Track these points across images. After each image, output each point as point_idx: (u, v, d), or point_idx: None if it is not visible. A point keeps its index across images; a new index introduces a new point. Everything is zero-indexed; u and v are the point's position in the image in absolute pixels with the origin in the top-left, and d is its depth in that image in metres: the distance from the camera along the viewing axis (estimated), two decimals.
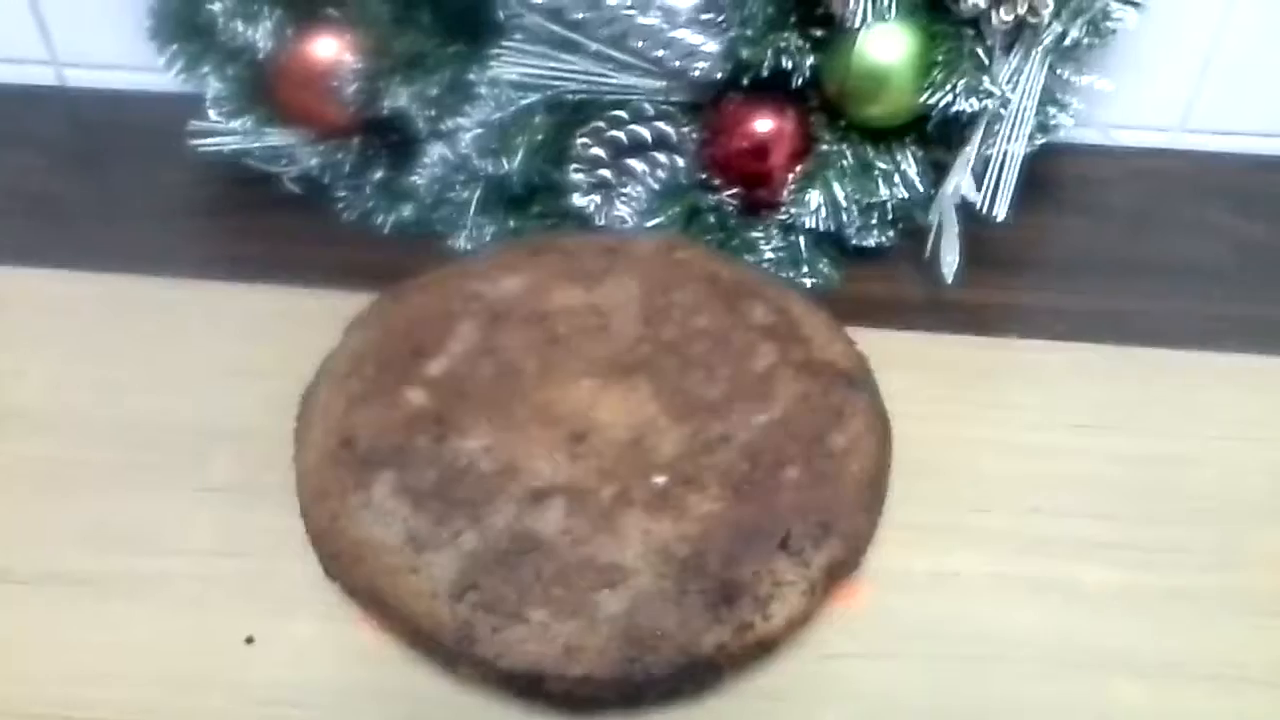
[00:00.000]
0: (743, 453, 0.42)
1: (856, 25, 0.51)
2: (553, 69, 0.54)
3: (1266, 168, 0.66)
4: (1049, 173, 0.60)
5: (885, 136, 0.55)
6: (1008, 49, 0.52)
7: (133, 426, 0.49)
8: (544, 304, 0.47)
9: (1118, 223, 0.62)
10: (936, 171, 0.56)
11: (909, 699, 0.41)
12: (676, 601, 0.38)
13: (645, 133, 0.56)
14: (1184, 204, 0.63)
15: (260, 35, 0.54)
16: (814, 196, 0.54)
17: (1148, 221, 0.62)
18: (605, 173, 0.56)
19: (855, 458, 0.43)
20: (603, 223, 0.57)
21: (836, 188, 0.54)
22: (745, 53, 0.52)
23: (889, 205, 0.56)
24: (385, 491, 0.41)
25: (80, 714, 0.40)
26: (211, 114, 0.57)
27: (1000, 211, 0.53)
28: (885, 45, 0.52)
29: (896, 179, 0.55)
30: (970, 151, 0.53)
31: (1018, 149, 0.53)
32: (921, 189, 0.56)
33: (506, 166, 0.55)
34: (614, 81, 0.54)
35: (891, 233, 0.57)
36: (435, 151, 0.56)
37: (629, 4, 0.51)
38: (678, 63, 0.53)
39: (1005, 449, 0.49)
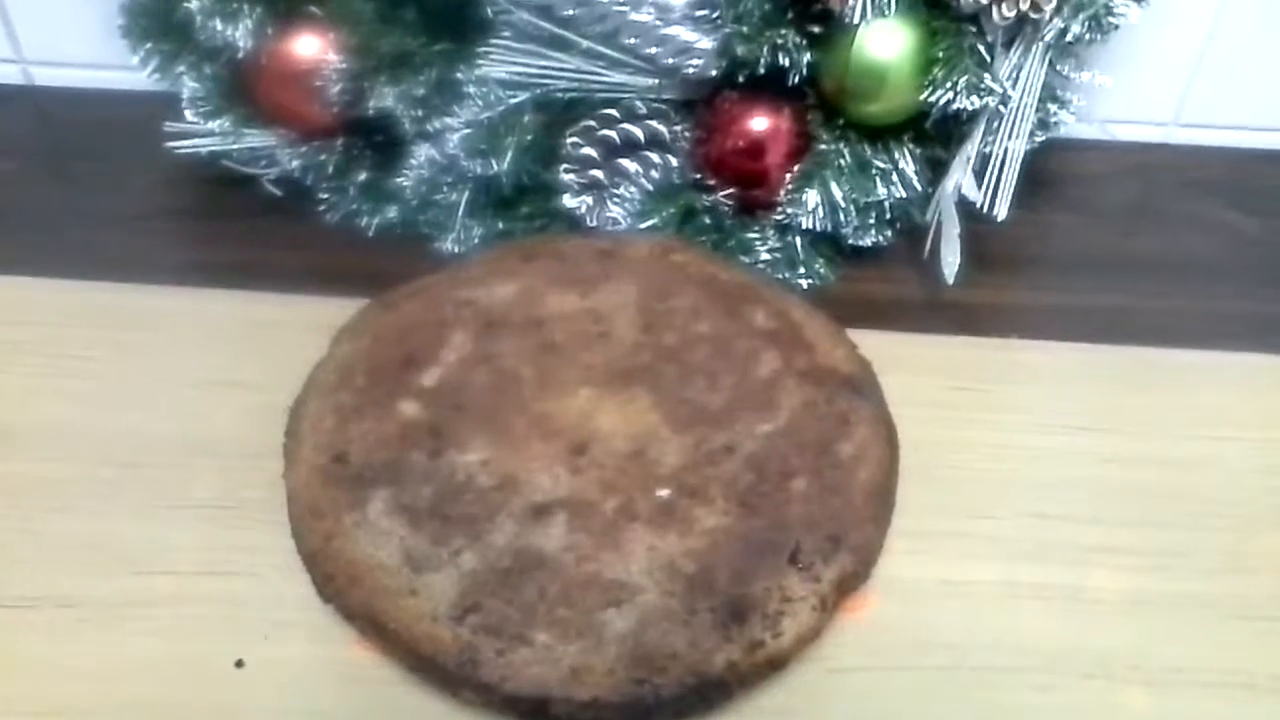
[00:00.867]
0: (748, 464, 0.41)
1: (855, 21, 0.50)
2: (542, 67, 0.53)
3: (1261, 161, 0.66)
4: (1044, 169, 0.60)
5: (883, 134, 0.54)
6: (1008, 45, 0.51)
7: (111, 442, 0.47)
8: (539, 310, 0.46)
9: (1114, 219, 0.62)
10: (934, 170, 0.55)
11: (920, 712, 0.40)
12: (685, 620, 0.37)
13: (638, 132, 0.54)
14: (1179, 199, 0.63)
15: (239, 33, 0.52)
16: (811, 196, 0.53)
17: (1144, 217, 0.62)
18: (597, 173, 0.55)
19: (863, 467, 0.42)
20: (595, 224, 0.55)
21: (834, 187, 0.53)
22: (740, 49, 0.50)
23: (887, 204, 0.55)
24: (381, 510, 0.39)
25: None
26: (188, 114, 0.56)
27: (1000, 211, 0.52)
28: (884, 41, 0.50)
29: (895, 178, 0.54)
30: (970, 149, 0.52)
31: (1018, 146, 0.52)
32: (920, 188, 0.55)
33: (495, 167, 0.53)
34: (605, 79, 0.53)
35: (889, 232, 0.56)
36: (422, 152, 0.55)
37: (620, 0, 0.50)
38: (671, 60, 0.52)
39: (1007, 453, 0.49)
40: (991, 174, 0.52)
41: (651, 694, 0.36)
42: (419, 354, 0.44)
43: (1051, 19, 0.49)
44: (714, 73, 0.52)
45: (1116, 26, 0.51)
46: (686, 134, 0.55)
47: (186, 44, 0.54)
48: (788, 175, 0.54)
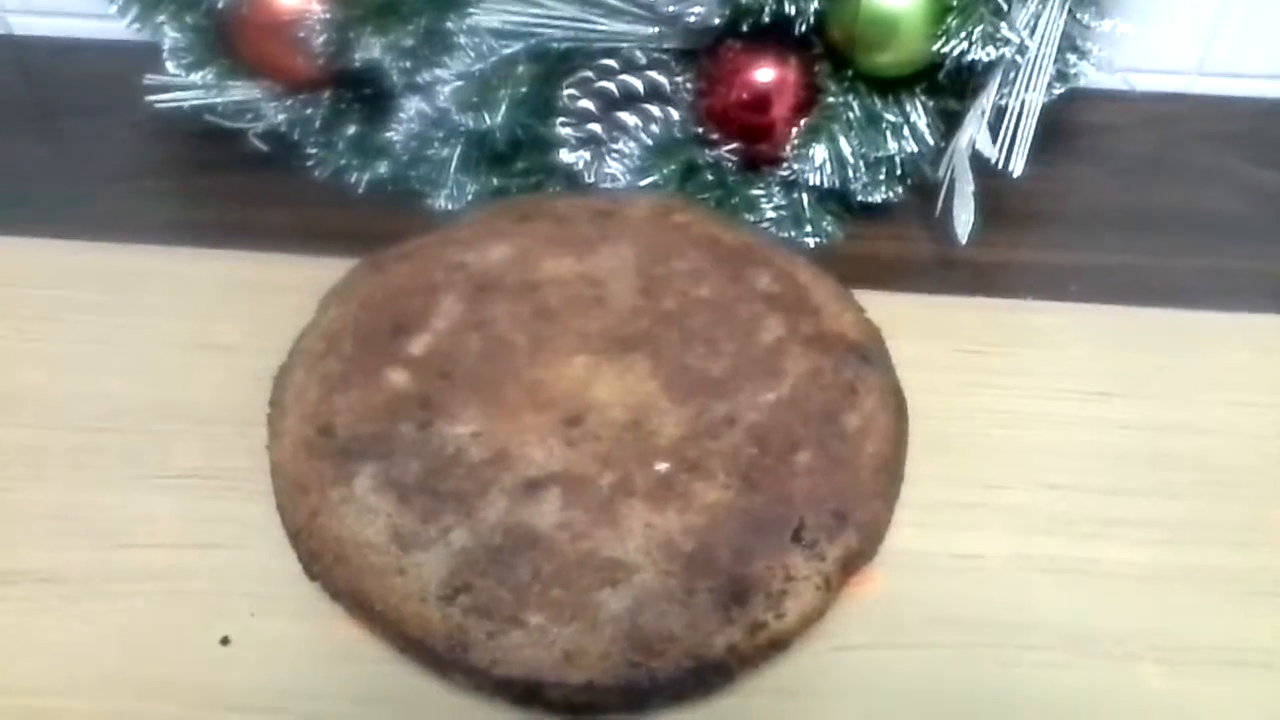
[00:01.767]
0: (750, 435, 0.39)
1: None
2: (536, 15, 0.50)
3: None
4: (1059, 121, 0.57)
5: (894, 87, 0.52)
6: None
7: (88, 408, 0.46)
8: (533, 274, 0.44)
9: (1132, 174, 0.59)
10: (948, 123, 0.52)
11: (929, 691, 0.39)
12: (683, 601, 0.36)
13: (637, 83, 0.52)
14: (1200, 152, 0.61)
15: None
16: (818, 151, 0.51)
17: (1163, 171, 0.60)
18: (595, 127, 0.53)
19: (870, 439, 0.40)
20: (592, 180, 0.53)
21: (842, 141, 0.51)
22: None
23: (897, 160, 0.53)
24: (368, 485, 0.38)
25: None
26: (169, 66, 0.53)
27: (1016, 166, 0.50)
28: None
29: (906, 132, 0.52)
30: (985, 102, 0.50)
31: (1035, 99, 0.50)
32: (932, 142, 0.52)
33: (488, 121, 0.51)
34: (603, 28, 0.51)
35: (900, 189, 0.54)
36: (411, 106, 0.52)
37: None
38: (672, 7, 0.49)
39: (1020, 420, 0.47)
40: (1007, 128, 0.50)
41: (648, 678, 0.35)
42: (408, 320, 0.42)
43: None
44: (717, 21, 0.50)
45: None
46: (688, 86, 0.53)
47: None
48: (794, 129, 0.52)
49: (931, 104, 0.52)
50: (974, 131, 0.50)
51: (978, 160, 0.51)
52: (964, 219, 0.50)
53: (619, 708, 0.36)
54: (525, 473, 0.38)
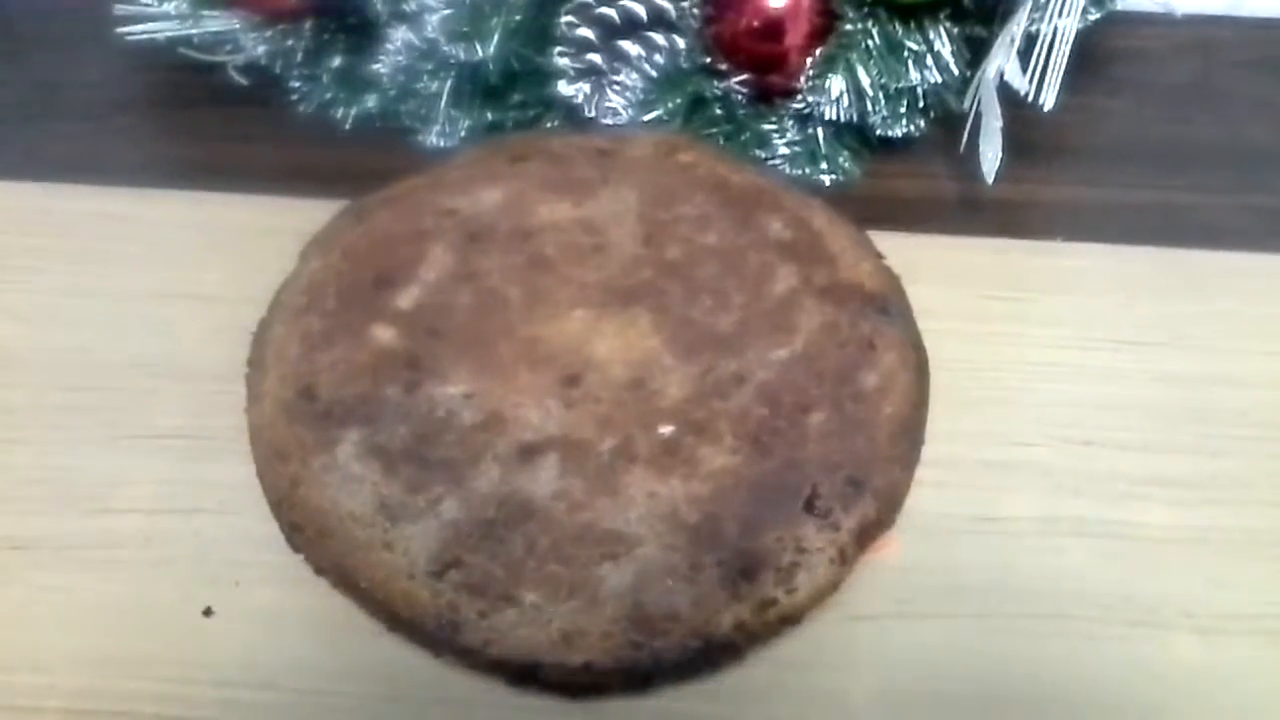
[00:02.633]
0: (760, 395, 0.37)
1: None
2: None
3: None
4: (1092, 48, 0.53)
5: (916, 12, 0.48)
6: None
7: (61, 364, 0.43)
8: (528, 221, 0.41)
9: (1171, 104, 0.56)
10: (974, 51, 0.49)
11: (950, 664, 0.37)
12: (688, 577, 0.33)
13: (640, 9, 0.48)
14: (1245, 80, 0.57)
15: None
16: (835, 82, 0.48)
17: (1205, 102, 0.56)
18: (594, 57, 0.49)
19: (888, 398, 0.37)
20: (592, 115, 0.50)
21: (861, 72, 0.48)
22: None
23: (920, 91, 0.49)
24: (352, 452, 0.35)
25: (24, 701, 0.35)
26: None
27: (1048, 99, 0.46)
28: None
29: (929, 61, 0.48)
30: (1015, 29, 0.46)
31: (1069, 25, 0.46)
32: (957, 72, 0.49)
33: (480, 52, 0.48)
34: None
35: (922, 122, 0.50)
36: (398, 36, 0.49)
37: None
38: None
39: (1049, 372, 0.44)
40: (1039, 57, 0.46)
41: (651, 659, 0.33)
42: (394, 272, 0.39)
43: None
44: None
45: None
46: (694, 12, 0.49)
47: None
48: (809, 59, 0.48)
49: (957, 31, 0.49)
50: (1003, 61, 0.46)
51: (1005, 91, 0.48)
52: (991, 156, 0.47)
53: (620, 688, 0.34)
54: (520, 437, 0.36)
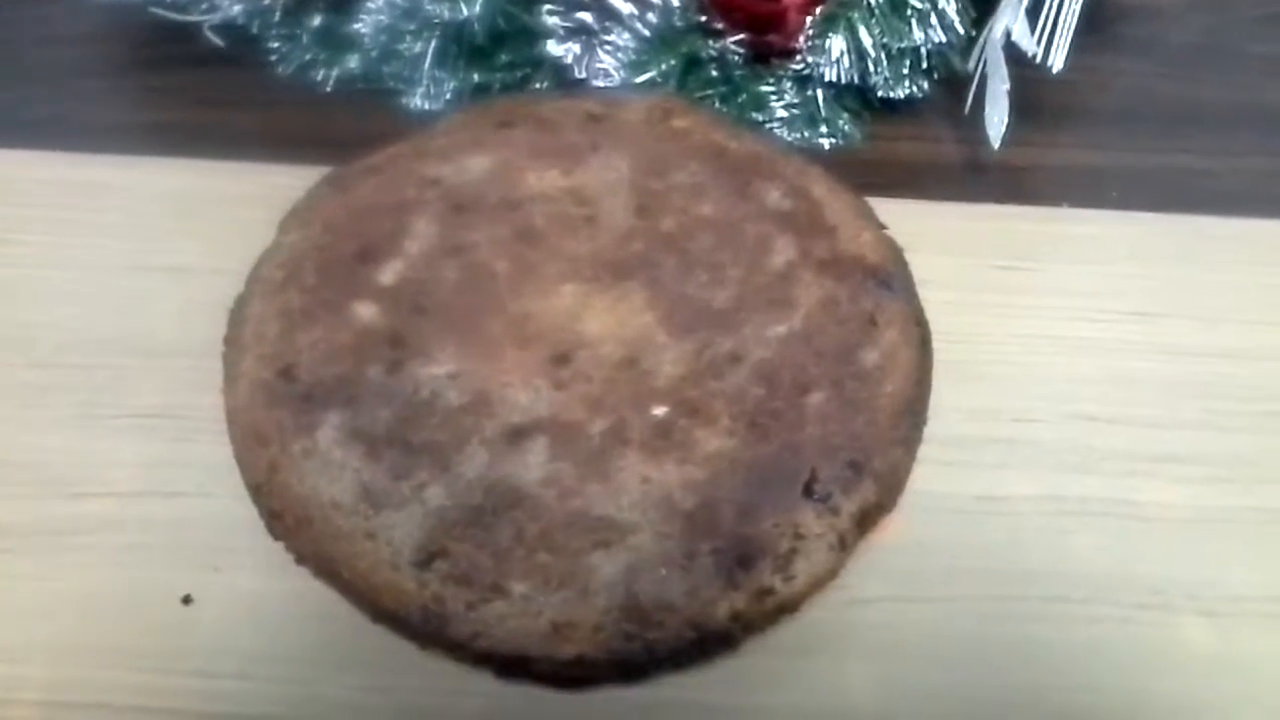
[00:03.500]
0: (757, 374, 0.35)
1: None
2: None
3: None
4: (1100, 3, 0.52)
5: None
6: None
7: (33, 339, 0.42)
8: (516, 190, 0.39)
9: (1181, 63, 0.54)
10: (980, 9, 0.47)
11: (951, 647, 0.36)
12: (683, 565, 0.32)
13: None
14: (1258, 38, 0.55)
15: None
16: (836, 42, 0.46)
17: (1216, 61, 0.54)
18: (585, 16, 0.48)
19: (890, 377, 0.36)
20: (583, 76, 0.48)
21: (862, 31, 0.46)
22: None
23: (923, 51, 0.47)
24: (332, 437, 0.34)
25: None
26: None
27: (1057, 60, 0.45)
28: None
29: (933, 20, 0.46)
30: None
31: None
32: (962, 31, 0.47)
33: (465, 11, 0.46)
34: None
35: (925, 84, 0.49)
36: None
37: None
38: None
39: (1055, 345, 0.43)
40: (1047, 15, 0.45)
41: (645, 650, 0.32)
42: (376, 245, 0.38)
43: None
44: None
45: None
46: None
47: None
48: (808, 18, 0.47)
49: None
50: (1010, 20, 0.44)
51: (1011, 51, 0.46)
52: (997, 120, 0.45)
53: (613, 679, 0.33)
54: (508, 419, 0.34)
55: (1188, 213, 0.47)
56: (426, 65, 0.48)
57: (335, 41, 0.50)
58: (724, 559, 0.32)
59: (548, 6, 0.47)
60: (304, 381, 0.35)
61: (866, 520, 0.34)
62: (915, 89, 0.49)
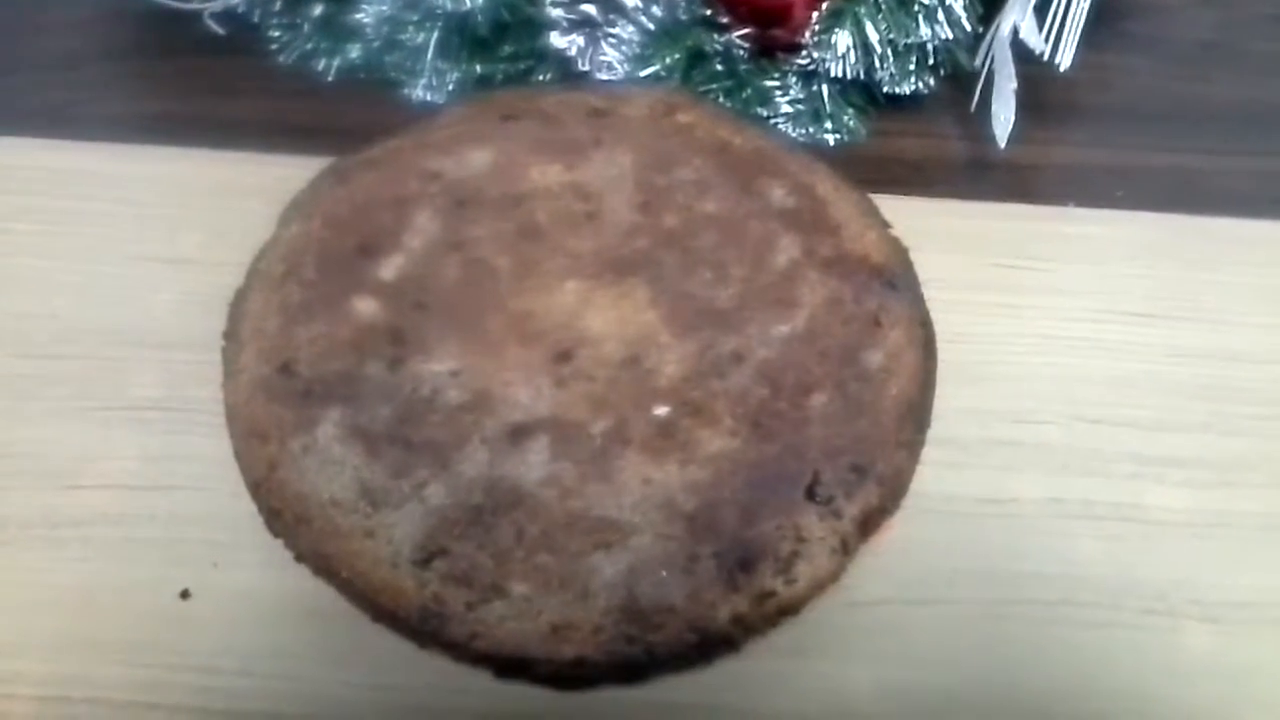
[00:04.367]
0: (760, 375, 0.35)
1: None
2: None
3: None
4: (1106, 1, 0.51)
5: None
6: None
7: (32, 330, 0.41)
8: (518, 185, 0.39)
9: (1187, 61, 0.54)
10: (987, 6, 0.46)
11: (952, 652, 0.36)
12: (684, 568, 0.32)
13: None
14: (1266, 36, 0.55)
15: None
16: (842, 37, 0.45)
17: (1223, 59, 0.54)
18: (589, 8, 0.47)
19: (894, 379, 0.36)
20: (587, 69, 0.48)
21: (869, 26, 0.45)
22: None
23: (930, 47, 0.47)
24: (332, 434, 0.34)
25: None
26: None
27: (1065, 58, 0.44)
28: None
29: (940, 16, 0.46)
30: None
31: None
32: (969, 27, 0.46)
33: (468, 2, 0.46)
34: None
35: (931, 80, 0.48)
36: None
37: None
38: None
39: (1059, 345, 0.43)
40: (1056, 12, 0.44)
41: (644, 653, 0.32)
42: (377, 239, 0.38)
43: None
44: None
45: None
46: None
47: None
48: (814, 12, 0.46)
49: None
50: (1018, 17, 0.44)
51: (1018, 48, 0.45)
52: (1004, 118, 0.45)
53: (612, 681, 0.33)
54: (509, 418, 0.34)
55: (1194, 213, 0.46)
56: (429, 56, 0.48)
57: (337, 31, 0.50)
58: (725, 561, 0.32)
59: None
60: (304, 377, 0.35)
61: (869, 523, 0.34)
62: (921, 85, 0.48)
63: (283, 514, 0.34)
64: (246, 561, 0.36)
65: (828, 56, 0.46)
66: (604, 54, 0.47)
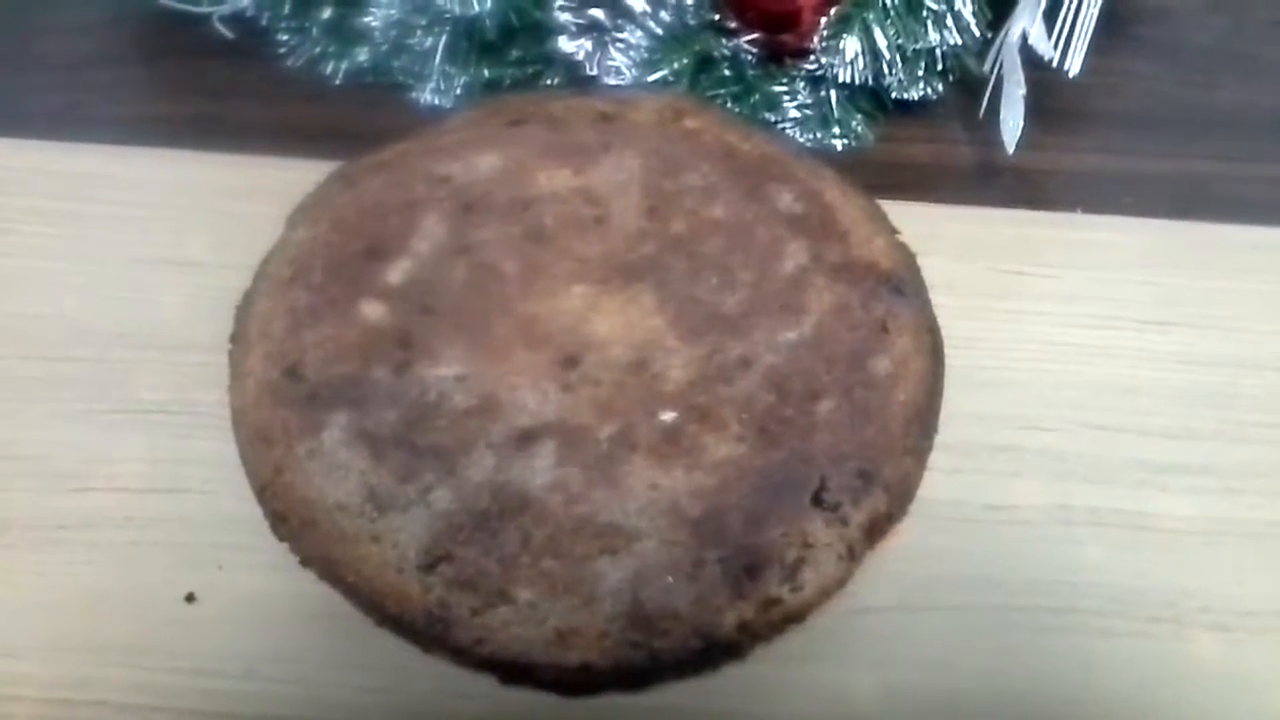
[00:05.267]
0: (767, 381, 0.35)
1: None
2: None
3: None
4: (1115, 4, 0.51)
5: None
6: None
7: (38, 332, 0.41)
8: (526, 189, 0.39)
9: (1196, 67, 0.53)
10: (996, 11, 0.46)
11: (958, 659, 0.35)
12: (690, 574, 0.32)
13: None
14: (1272, 41, 0.55)
15: None
16: (850, 42, 0.45)
17: (1232, 64, 0.54)
18: (597, 12, 0.47)
19: (901, 385, 0.36)
20: (595, 73, 0.48)
21: (877, 31, 0.45)
22: None
23: (938, 52, 0.47)
24: (338, 438, 0.34)
25: None
26: None
27: (1074, 64, 0.44)
28: None
29: (949, 21, 0.46)
30: None
31: None
32: (978, 33, 0.46)
33: (476, 6, 0.46)
34: None
35: (940, 85, 0.48)
36: None
37: None
38: None
39: (1067, 352, 0.42)
40: (1066, 18, 0.44)
41: (649, 659, 0.31)
42: (384, 243, 0.38)
43: None
44: None
45: None
46: None
47: None
48: (823, 18, 0.46)
49: None
50: (1027, 22, 0.44)
51: (1027, 53, 0.45)
52: (1012, 123, 0.45)
53: (617, 687, 0.33)
54: (516, 423, 0.34)
55: (1203, 219, 0.46)
56: (437, 60, 0.48)
57: (345, 34, 0.50)
58: (731, 568, 0.32)
59: (560, 3, 0.47)
60: (310, 381, 0.35)
61: (875, 530, 0.34)
62: (930, 91, 0.48)
63: (288, 518, 0.34)
64: (252, 565, 0.36)
65: (836, 62, 0.46)
66: (612, 59, 0.47)
